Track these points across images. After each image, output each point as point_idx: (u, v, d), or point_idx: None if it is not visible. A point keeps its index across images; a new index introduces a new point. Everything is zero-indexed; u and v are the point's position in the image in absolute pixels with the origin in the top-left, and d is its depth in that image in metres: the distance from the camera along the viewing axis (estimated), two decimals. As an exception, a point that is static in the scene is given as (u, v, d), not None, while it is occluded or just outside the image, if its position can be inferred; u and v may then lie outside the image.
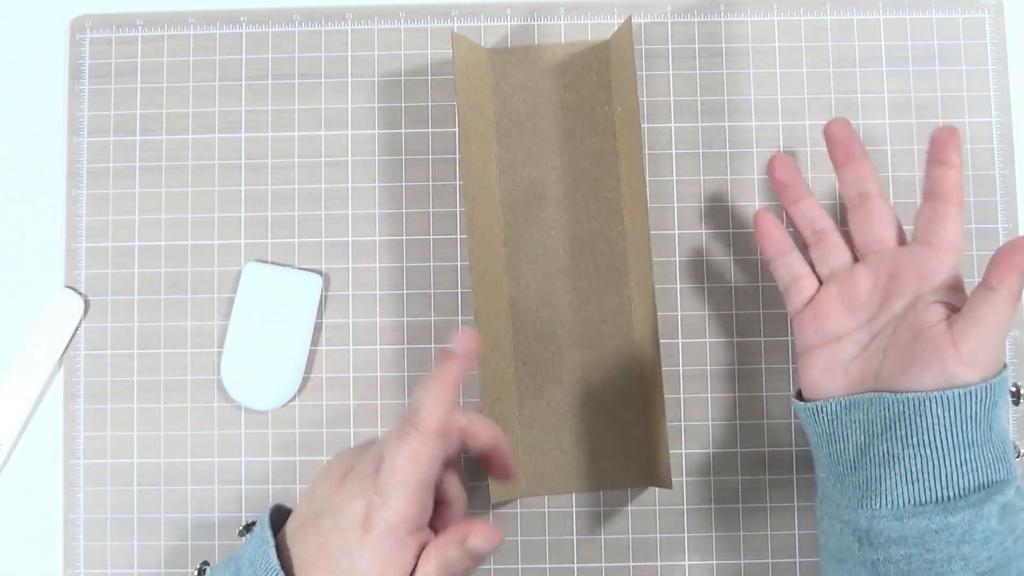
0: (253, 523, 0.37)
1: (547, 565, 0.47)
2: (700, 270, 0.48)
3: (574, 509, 0.47)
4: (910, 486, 0.36)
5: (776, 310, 0.48)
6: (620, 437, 0.45)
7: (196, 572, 0.38)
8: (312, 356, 0.48)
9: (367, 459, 0.36)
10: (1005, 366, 0.37)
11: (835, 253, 0.43)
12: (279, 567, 0.34)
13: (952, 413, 0.35)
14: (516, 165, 0.45)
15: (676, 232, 0.48)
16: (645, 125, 0.49)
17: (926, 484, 0.35)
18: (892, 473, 0.36)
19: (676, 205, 0.49)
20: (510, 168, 0.45)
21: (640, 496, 0.47)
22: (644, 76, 0.49)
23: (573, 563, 0.47)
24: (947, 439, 0.35)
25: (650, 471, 0.45)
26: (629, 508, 0.47)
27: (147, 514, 0.47)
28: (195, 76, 0.50)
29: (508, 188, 0.44)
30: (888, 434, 0.37)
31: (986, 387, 0.35)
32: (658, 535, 0.47)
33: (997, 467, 0.36)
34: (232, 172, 0.49)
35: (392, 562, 0.34)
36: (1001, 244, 0.48)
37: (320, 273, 0.48)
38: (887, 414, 0.37)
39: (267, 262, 0.49)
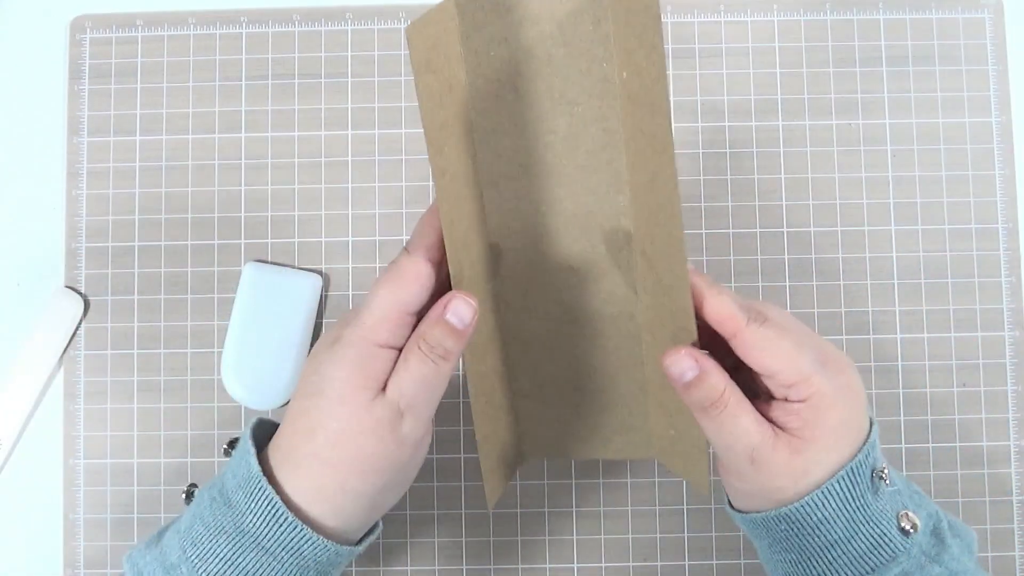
0: (237, 439, 0.37)
1: (547, 565, 0.47)
2: (700, 270, 0.48)
3: (574, 509, 0.47)
4: None
5: (776, 310, 0.48)
6: (624, 412, 0.42)
7: (184, 494, 0.37)
8: (312, 356, 0.48)
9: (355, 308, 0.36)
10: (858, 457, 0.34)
11: None
12: (259, 472, 0.33)
13: (785, 528, 0.34)
14: (496, 133, 0.38)
15: (676, 232, 0.48)
16: (645, 125, 0.49)
17: None
18: None
19: (676, 205, 0.49)
20: (490, 136, 0.38)
21: (640, 496, 0.47)
22: (644, 76, 0.50)
23: (573, 563, 0.47)
24: (800, 551, 0.34)
25: (684, 466, 0.41)
26: (629, 508, 0.47)
27: (147, 514, 0.47)
28: (195, 76, 0.50)
29: (488, 160, 0.38)
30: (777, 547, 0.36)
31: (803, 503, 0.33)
32: (658, 535, 0.47)
33: (875, 553, 0.33)
34: (232, 172, 0.49)
35: (359, 368, 0.33)
36: (1001, 244, 0.48)
37: (320, 273, 0.48)
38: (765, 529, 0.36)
39: (267, 262, 0.49)
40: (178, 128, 0.49)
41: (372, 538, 0.38)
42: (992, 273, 0.48)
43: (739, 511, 0.36)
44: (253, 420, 0.37)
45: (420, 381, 0.34)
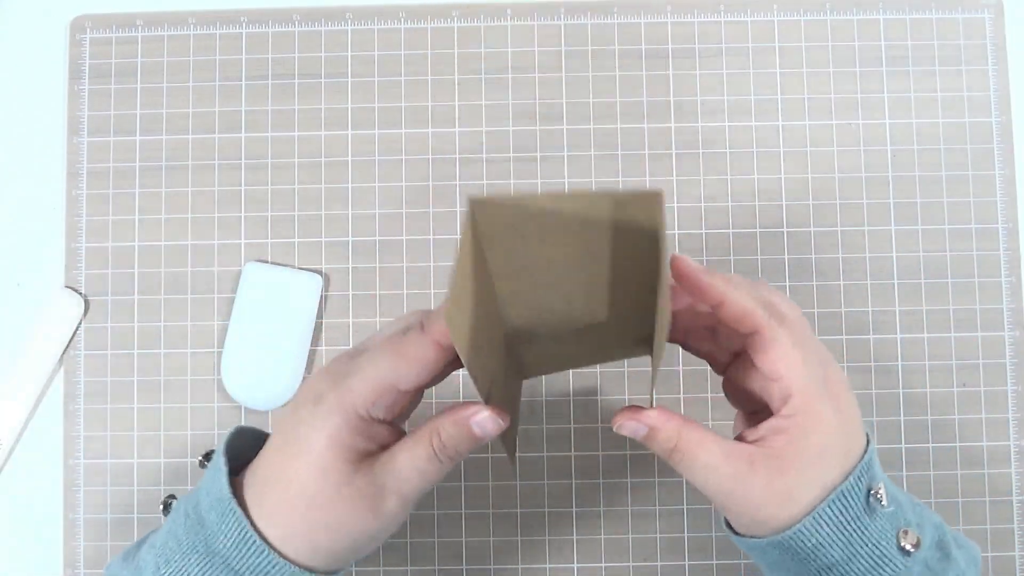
0: (213, 451, 0.36)
1: (547, 565, 0.47)
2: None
3: (574, 509, 0.47)
4: None
5: (776, 310, 0.48)
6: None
7: (162, 506, 0.36)
8: (312, 356, 0.48)
9: (357, 345, 0.34)
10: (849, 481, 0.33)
11: None
12: (230, 494, 0.32)
13: (780, 554, 0.34)
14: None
15: (676, 232, 0.49)
16: (645, 125, 0.49)
17: None
18: None
19: (676, 205, 0.49)
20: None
21: (640, 496, 0.47)
22: (644, 76, 0.50)
23: (573, 563, 0.47)
24: (798, 574, 0.34)
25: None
26: (629, 508, 0.47)
27: (147, 514, 0.47)
28: (195, 76, 0.50)
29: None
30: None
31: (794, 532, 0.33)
32: (658, 535, 0.47)
33: (874, 574, 0.33)
34: (232, 172, 0.49)
35: (342, 439, 0.32)
36: (1001, 244, 0.48)
37: (320, 273, 0.48)
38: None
39: (267, 262, 0.49)
40: (178, 128, 0.49)
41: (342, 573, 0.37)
42: (992, 273, 0.48)
43: (738, 534, 0.36)
44: (230, 431, 0.36)
45: (422, 475, 0.33)
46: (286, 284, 0.48)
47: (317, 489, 0.32)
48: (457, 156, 0.49)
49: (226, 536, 0.33)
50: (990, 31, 0.50)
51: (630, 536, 0.47)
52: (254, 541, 0.32)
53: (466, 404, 0.34)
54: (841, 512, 0.33)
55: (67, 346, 0.48)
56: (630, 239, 0.31)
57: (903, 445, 0.47)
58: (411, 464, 0.33)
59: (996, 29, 0.50)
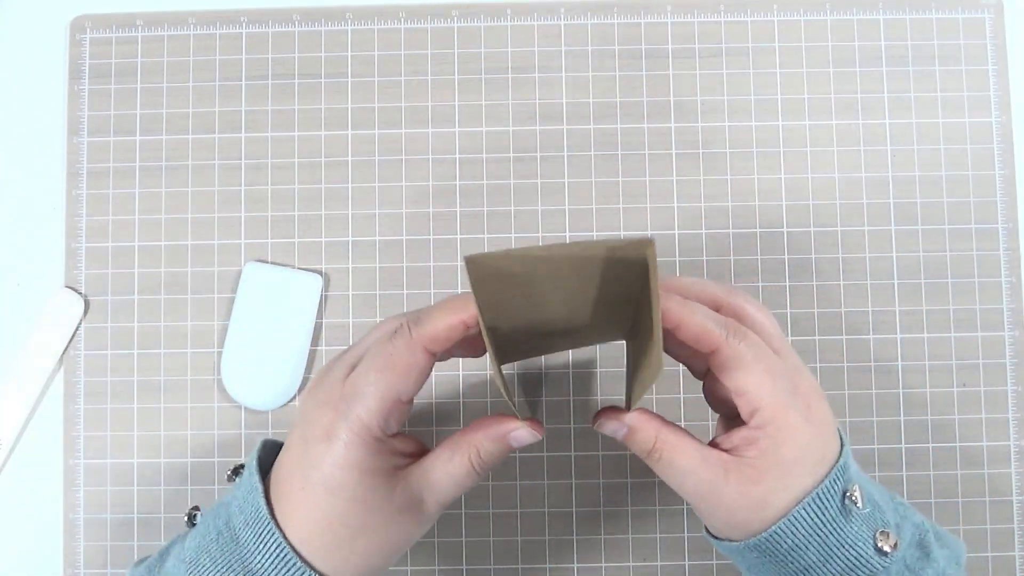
0: (242, 465, 0.36)
1: (547, 565, 0.47)
2: (700, 270, 0.48)
3: (574, 509, 0.47)
4: None
5: (776, 310, 0.48)
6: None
7: (186, 517, 0.36)
8: (312, 356, 0.48)
9: (342, 361, 0.34)
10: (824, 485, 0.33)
11: None
12: (268, 515, 0.33)
13: (756, 556, 0.34)
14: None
15: (676, 232, 0.49)
16: (645, 125, 0.49)
17: None
18: None
19: (676, 205, 0.49)
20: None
21: (640, 496, 0.47)
22: (644, 76, 0.50)
23: (573, 563, 0.47)
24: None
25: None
26: (629, 508, 0.47)
27: (147, 514, 0.47)
28: (195, 76, 0.50)
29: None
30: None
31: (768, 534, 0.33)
32: (658, 535, 0.47)
33: (852, 574, 0.33)
34: (232, 172, 0.49)
35: (369, 467, 0.33)
36: (1001, 244, 0.48)
37: (320, 273, 0.48)
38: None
39: (267, 262, 0.49)
40: (178, 128, 0.49)
41: None
42: (992, 273, 0.48)
43: (716, 537, 0.36)
44: (257, 445, 0.36)
45: (459, 486, 0.34)
46: (286, 284, 0.48)
47: (361, 519, 0.33)
48: (457, 156, 0.49)
49: (263, 556, 0.33)
50: (990, 31, 0.50)
51: (630, 536, 0.47)
52: (294, 562, 0.33)
53: (500, 419, 0.35)
54: (816, 515, 0.33)
55: (67, 346, 0.48)
56: (619, 270, 0.32)
57: (903, 445, 0.47)
58: (448, 479, 0.34)
59: (996, 29, 0.50)
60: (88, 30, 0.50)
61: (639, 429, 0.35)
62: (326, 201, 0.49)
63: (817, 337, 0.48)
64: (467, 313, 0.33)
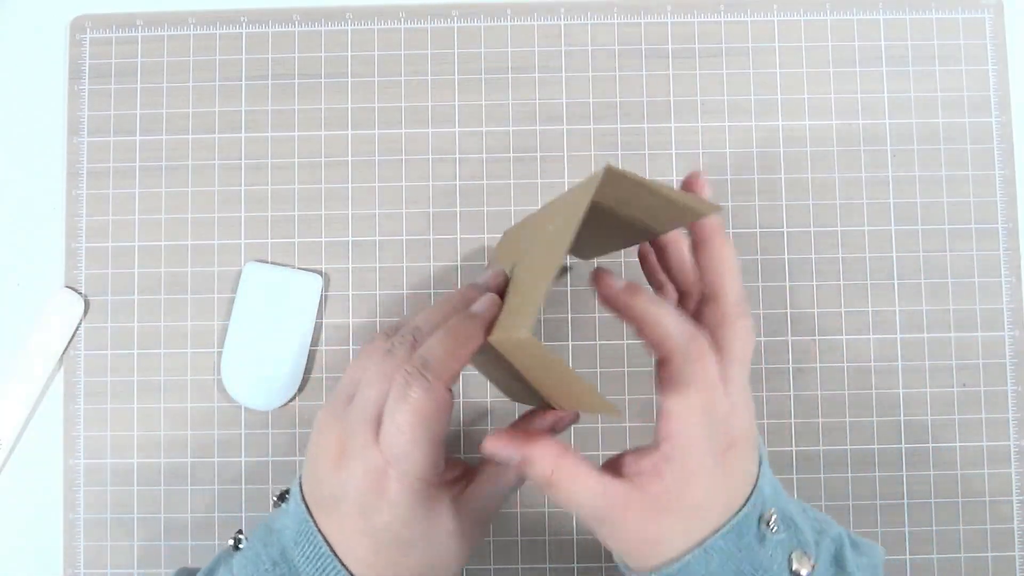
0: (287, 491, 0.36)
1: (547, 565, 0.47)
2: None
3: (574, 509, 0.47)
4: None
5: (777, 310, 0.48)
6: None
7: (232, 541, 0.36)
8: (312, 356, 0.48)
9: (357, 424, 0.33)
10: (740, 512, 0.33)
11: None
12: (331, 554, 0.33)
13: None
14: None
15: (676, 232, 0.48)
16: (645, 125, 0.49)
17: None
18: None
19: (676, 205, 0.49)
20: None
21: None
22: (644, 76, 0.50)
23: (573, 563, 0.47)
24: None
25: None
26: (629, 508, 0.47)
27: (147, 514, 0.47)
28: (195, 76, 0.50)
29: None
30: None
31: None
32: (658, 535, 0.47)
33: None
34: (232, 172, 0.49)
35: (429, 510, 0.33)
36: (1001, 244, 0.48)
37: (320, 273, 0.48)
38: None
39: (267, 262, 0.49)
40: (178, 128, 0.49)
41: None
42: (992, 273, 0.48)
43: (627, 567, 0.35)
44: (299, 475, 0.36)
45: (505, 502, 0.36)
46: (286, 284, 0.48)
47: (423, 555, 0.34)
48: (457, 156, 0.49)
49: None
50: (990, 31, 0.50)
51: (630, 536, 0.47)
52: None
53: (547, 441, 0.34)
54: (732, 544, 0.32)
55: (67, 346, 0.48)
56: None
57: (903, 445, 0.47)
58: (495, 499, 0.36)
59: (996, 29, 0.50)
60: (88, 30, 0.50)
61: (535, 460, 0.33)
62: (326, 201, 0.49)
63: (817, 337, 0.48)
64: (476, 343, 0.33)
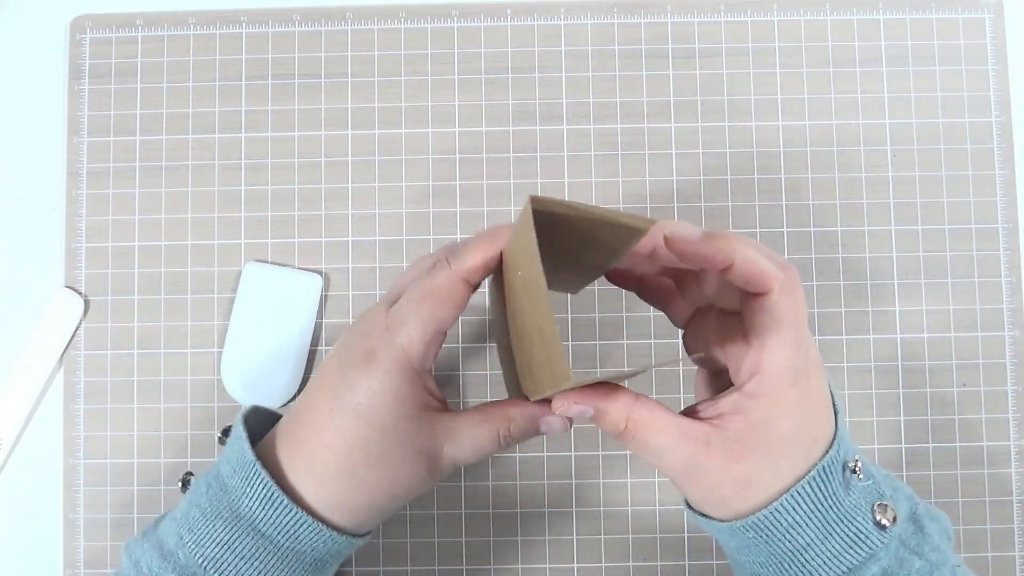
0: (231, 427, 0.37)
1: (547, 565, 0.47)
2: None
3: (574, 509, 0.47)
4: None
5: (776, 310, 0.48)
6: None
7: (180, 483, 0.37)
8: (312, 356, 0.48)
9: (384, 299, 0.35)
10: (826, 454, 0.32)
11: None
12: (253, 457, 0.33)
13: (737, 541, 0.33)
14: None
15: (676, 232, 0.48)
16: (645, 125, 0.49)
17: None
18: None
19: (676, 205, 0.49)
20: None
21: (640, 496, 0.47)
22: (644, 76, 0.50)
23: (573, 563, 0.47)
24: (770, 555, 0.32)
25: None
26: (629, 508, 0.47)
27: (147, 514, 0.47)
28: (195, 76, 0.50)
29: None
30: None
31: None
32: (658, 535, 0.47)
33: (852, 552, 0.32)
34: (232, 172, 0.49)
35: (403, 396, 0.33)
36: (1001, 244, 0.48)
37: (320, 273, 0.48)
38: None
39: (267, 262, 0.49)
40: (178, 128, 0.49)
41: (373, 532, 0.38)
42: (992, 273, 0.48)
43: (700, 515, 0.35)
44: (245, 408, 0.37)
45: (479, 451, 0.35)
46: (286, 284, 0.48)
47: (383, 448, 0.33)
48: (457, 156, 0.49)
49: (251, 499, 0.33)
50: (990, 31, 0.50)
51: (630, 536, 0.47)
52: (281, 501, 0.33)
53: (538, 403, 0.35)
54: (819, 489, 0.31)
55: (67, 346, 0.48)
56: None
57: (903, 445, 0.47)
58: (472, 442, 0.34)
59: (996, 29, 0.50)
60: (88, 30, 0.50)
61: (608, 410, 0.32)
62: (326, 201, 0.49)
63: (817, 337, 0.48)
64: (500, 242, 0.33)
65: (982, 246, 0.49)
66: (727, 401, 0.32)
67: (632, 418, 0.32)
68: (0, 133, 0.50)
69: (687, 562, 0.47)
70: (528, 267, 0.30)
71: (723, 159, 0.49)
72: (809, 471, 0.32)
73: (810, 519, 0.31)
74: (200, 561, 0.33)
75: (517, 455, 0.47)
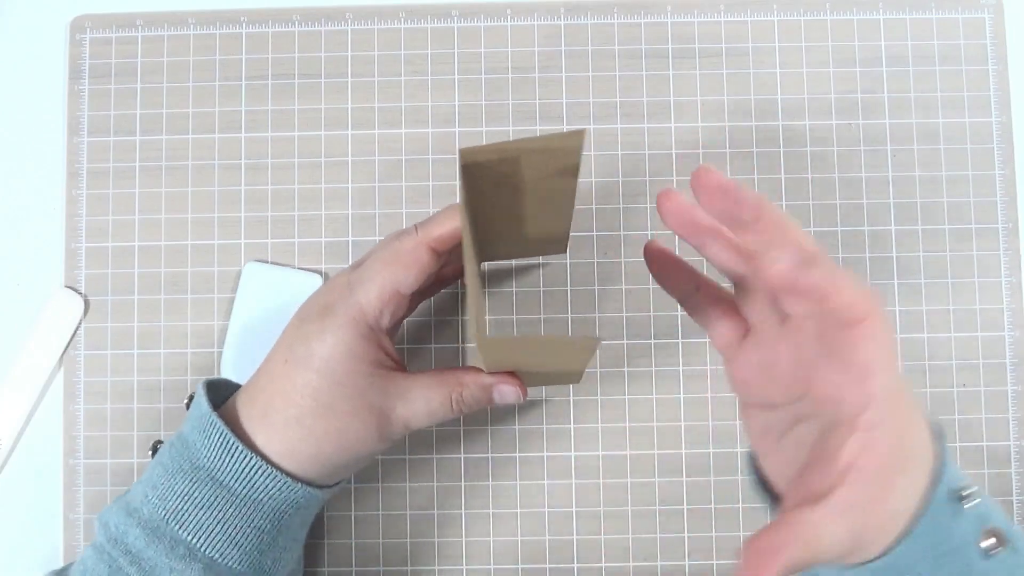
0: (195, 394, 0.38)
1: (547, 565, 0.47)
2: (700, 269, 0.48)
3: (574, 509, 0.47)
4: None
5: (776, 310, 0.48)
6: None
7: (151, 451, 0.39)
8: (312, 356, 0.48)
9: (353, 263, 0.36)
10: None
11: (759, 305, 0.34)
12: (209, 409, 0.34)
13: None
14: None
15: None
16: (645, 125, 0.49)
17: None
18: None
19: (676, 205, 0.49)
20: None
21: (640, 496, 0.47)
22: (644, 76, 0.50)
23: (573, 563, 0.47)
24: None
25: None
26: (629, 508, 0.47)
27: (147, 514, 0.47)
28: (195, 76, 0.50)
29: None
30: None
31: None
32: (658, 535, 0.47)
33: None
34: (232, 172, 0.49)
35: (355, 350, 0.34)
36: (1001, 244, 0.48)
37: (320, 273, 0.48)
38: None
39: (267, 262, 0.49)
40: (178, 128, 0.49)
41: (335, 489, 0.38)
42: (992, 273, 0.48)
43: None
44: (207, 379, 0.38)
45: (431, 415, 0.35)
46: (286, 284, 0.48)
47: (332, 399, 0.34)
48: (457, 156, 0.49)
49: (208, 449, 0.34)
50: (990, 31, 0.50)
51: (630, 536, 0.47)
52: (236, 447, 0.34)
53: (497, 374, 0.36)
54: (935, 517, 0.29)
55: (67, 346, 0.48)
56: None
57: (903, 445, 0.47)
58: (424, 404, 0.35)
59: (996, 29, 0.50)
60: (88, 30, 0.50)
61: (776, 563, 0.27)
62: (326, 201, 0.49)
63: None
64: (459, 218, 0.34)
65: (982, 246, 0.49)
66: (852, 448, 0.28)
67: (793, 546, 0.28)
68: (0, 133, 0.50)
69: (687, 562, 0.47)
70: (462, 226, 0.32)
71: (723, 159, 0.49)
72: (934, 482, 0.30)
73: (926, 551, 0.30)
74: (163, 515, 0.34)
75: (517, 455, 0.47)
